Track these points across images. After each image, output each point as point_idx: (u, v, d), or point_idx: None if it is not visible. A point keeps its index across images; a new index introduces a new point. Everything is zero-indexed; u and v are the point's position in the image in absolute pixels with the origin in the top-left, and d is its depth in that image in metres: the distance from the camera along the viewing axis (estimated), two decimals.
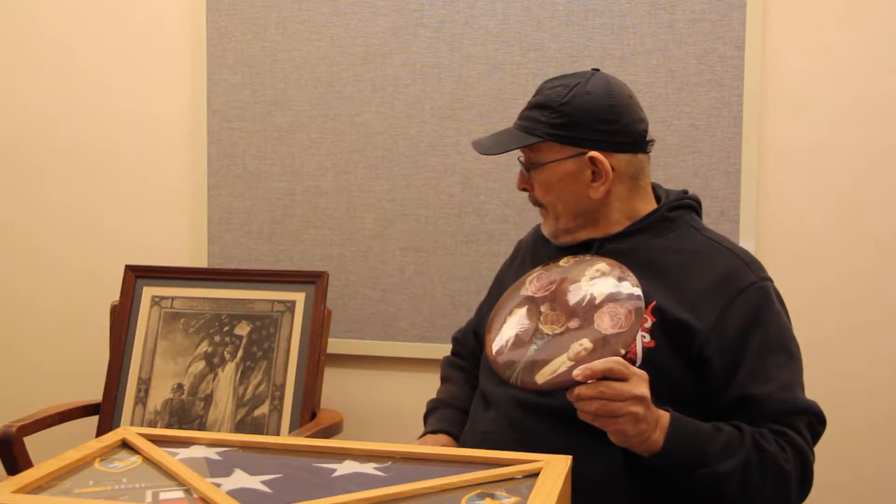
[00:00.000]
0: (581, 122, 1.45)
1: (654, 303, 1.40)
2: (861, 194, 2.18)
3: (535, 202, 1.53)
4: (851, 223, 2.19)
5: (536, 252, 1.60)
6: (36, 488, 1.08)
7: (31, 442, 2.10)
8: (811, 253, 2.21)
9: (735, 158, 2.21)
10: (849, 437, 2.18)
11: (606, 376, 1.22)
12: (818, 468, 1.42)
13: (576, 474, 1.20)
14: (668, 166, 2.23)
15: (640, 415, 1.24)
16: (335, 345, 2.41)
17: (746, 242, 2.19)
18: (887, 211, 2.17)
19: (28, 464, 2.04)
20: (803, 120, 2.20)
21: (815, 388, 1.51)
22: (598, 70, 1.53)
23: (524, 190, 1.53)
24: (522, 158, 1.53)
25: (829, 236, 2.20)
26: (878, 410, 2.19)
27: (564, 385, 1.24)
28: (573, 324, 1.32)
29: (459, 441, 1.59)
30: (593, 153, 1.45)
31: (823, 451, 1.50)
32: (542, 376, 1.27)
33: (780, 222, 2.22)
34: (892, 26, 2.15)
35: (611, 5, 2.25)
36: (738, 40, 2.19)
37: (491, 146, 1.53)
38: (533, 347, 1.32)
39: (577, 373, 1.21)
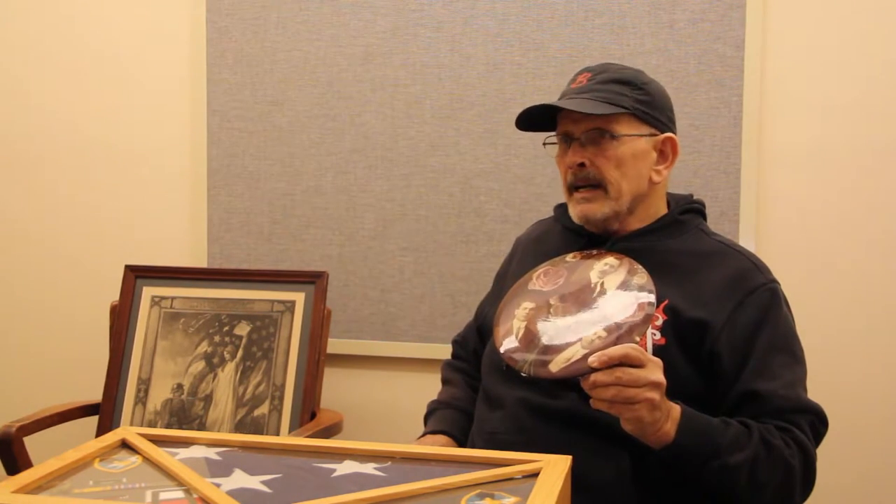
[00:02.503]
0: (660, 104, 1.51)
1: (666, 301, 1.40)
2: (861, 194, 2.18)
3: (589, 180, 1.48)
4: (851, 223, 2.19)
5: (539, 248, 1.60)
6: (36, 488, 1.08)
7: (30, 442, 2.10)
8: (811, 253, 2.21)
9: (735, 158, 2.21)
10: (848, 438, 2.18)
11: (622, 363, 1.21)
12: (819, 468, 1.42)
13: (584, 476, 1.20)
14: None
15: (657, 401, 1.24)
16: (335, 345, 2.41)
17: (746, 242, 2.19)
18: (887, 211, 2.17)
19: (28, 464, 2.04)
20: (803, 120, 2.20)
21: (815, 387, 1.51)
22: None
23: (581, 166, 1.47)
24: (580, 133, 1.47)
25: (829, 236, 2.20)
26: (877, 410, 2.19)
27: (579, 373, 1.23)
28: (585, 314, 1.32)
29: (467, 441, 1.59)
30: (671, 135, 1.50)
31: (824, 451, 1.50)
32: (556, 364, 1.26)
33: (780, 222, 2.22)
34: (893, 26, 2.15)
35: (611, 5, 2.25)
36: (738, 40, 2.19)
37: (584, 107, 1.45)
38: (544, 338, 1.31)
39: (594, 359, 1.21)
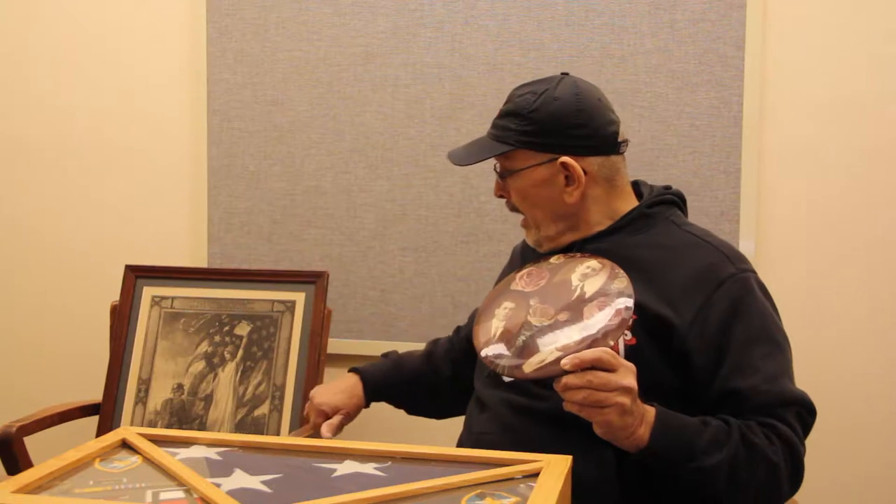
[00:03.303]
0: (551, 128, 1.46)
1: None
2: (861, 194, 2.18)
3: (513, 209, 1.55)
4: (851, 223, 2.19)
5: (526, 255, 1.61)
6: (36, 488, 1.08)
7: (31, 442, 2.10)
8: (811, 253, 2.21)
9: (735, 158, 2.21)
10: (847, 436, 2.18)
11: (594, 366, 1.21)
12: (815, 467, 1.41)
13: None
14: (668, 166, 2.23)
15: (627, 406, 1.23)
16: (335, 345, 2.41)
17: (746, 242, 2.19)
18: (887, 210, 2.17)
19: (28, 464, 2.04)
20: (803, 120, 2.20)
21: (814, 386, 1.51)
22: (567, 74, 1.53)
23: (501, 197, 1.54)
24: (497, 167, 1.53)
25: (829, 236, 2.20)
26: (877, 409, 2.19)
27: (552, 374, 1.23)
28: (562, 316, 1.32)
29: (379, 386, 1.74)
30: (564, 158, 1.45)
31: (821, 450, 1.50)
32: (530, 366, 1.27)
33: (780, 222, 2.22)
34: (892, 26, 2.15)
35: (611, 5, 2.25)
36: (738, 40, 2.19)
37: (464, 156, 1.53)
38: (521, 339, 1.32)
39: (566, 362, 1.21)
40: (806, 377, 1.46)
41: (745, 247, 2.18)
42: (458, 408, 1.76)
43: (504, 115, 1.50)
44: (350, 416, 1.70)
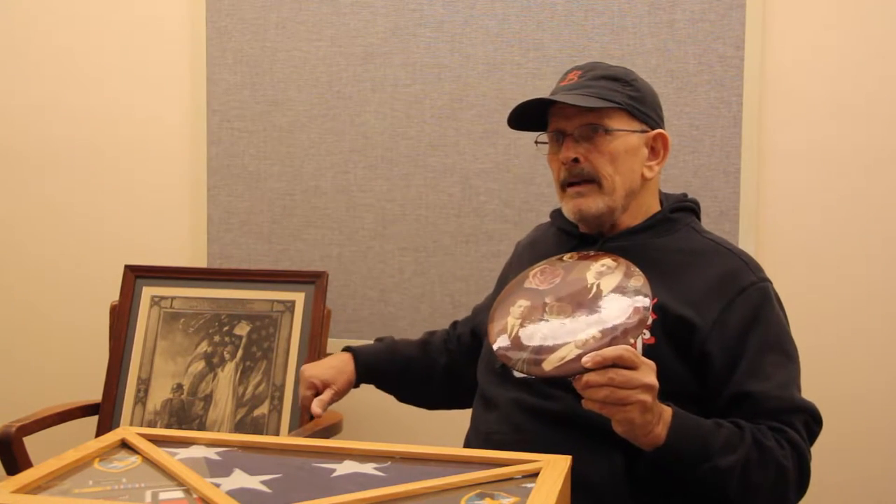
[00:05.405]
0: (650, 101, 1.52)
1: (655, 300, 1.40)
2: (861, 194, 2.18)
3: (583, 176, 1.47)
4: (851, 223, 2.19)
5: (534, 251, 1.60)
6: (35, 488, 1.08)
7: (30, 442, 2.10)
8: (811, 253, 2.21)
9: (735, 158, 2.21)
10: (848, 438, 2.18)
11: (616, 364, 1.21)
12: (818, 468, 1.42)
13: (578, 476, 1.20)
14: (667, 166, 2.22)
15: (649, 404, 1.24)
16: (335, 345, 2.41)
17: (746, 242, 2.19)
18: (887, 211, 2.17)
19: (28, 464, 2.04)
20: (803, 120, 2.20)
21: (815, 388, 1.51)
22: None
23: (574, 161, 1.46)
24: (573, 128, 1.47)
25: (829, 236, 2.20)
26: (877, 411, 2.19)
27: (572, 372, 1.23)
28: (580, 313, 1.32)
29: (368, 369, 1.69)
30: (662, 131, 1.51)
31: (823, 452, 1.50)
32: (550, 363, 1.26)
33: (780, 222, 2.22)
34: (893, 26, 2.15)
35: (611, 5, 2.25)
36: (738, 40, 2.19)
37: (579, 101, 1.45)
38: (538, 337, 1.31)
39: (587, 359, 1.21)
40: (805, 377, 1.46)
41: (745, 247, 2.18)
42: (447, 400, 1.77)
43: (600, 77, 1.49)
44: (340, 393, 1.64)
